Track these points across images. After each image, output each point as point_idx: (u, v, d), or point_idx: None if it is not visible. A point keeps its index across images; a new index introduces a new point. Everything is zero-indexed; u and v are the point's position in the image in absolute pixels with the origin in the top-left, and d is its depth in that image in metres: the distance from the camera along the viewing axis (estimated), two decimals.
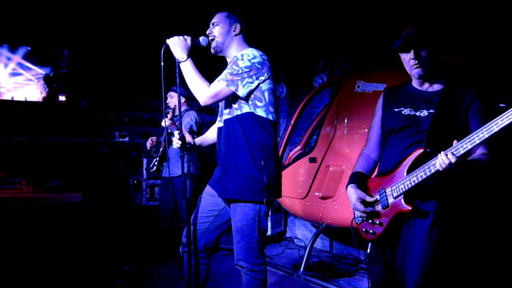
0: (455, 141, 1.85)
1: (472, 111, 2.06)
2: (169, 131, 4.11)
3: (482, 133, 1.75)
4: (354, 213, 2.33)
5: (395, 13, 4.30)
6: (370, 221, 2.18)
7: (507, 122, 1.68)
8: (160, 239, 5.04)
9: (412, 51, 2.06)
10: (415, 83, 2.20)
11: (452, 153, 1.84)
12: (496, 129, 1.71)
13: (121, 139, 6.13)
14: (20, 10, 4.95)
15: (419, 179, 1.96)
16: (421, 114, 2.11)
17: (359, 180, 2.26)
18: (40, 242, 3.92)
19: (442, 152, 1.86)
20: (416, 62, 2.07)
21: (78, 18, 5.25)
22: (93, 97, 6.14)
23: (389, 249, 2.17)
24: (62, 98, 5.85)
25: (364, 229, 2.24)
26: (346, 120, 4.36)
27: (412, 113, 2.13)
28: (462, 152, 1.81)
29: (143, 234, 5.35)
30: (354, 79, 4.40)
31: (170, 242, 4.66)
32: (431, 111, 2.08)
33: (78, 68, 5.95)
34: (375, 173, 2.29)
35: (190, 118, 4.62)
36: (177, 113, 4.17)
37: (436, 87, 2.15)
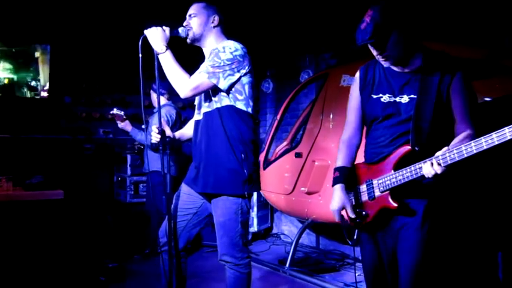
0: (445, 148, 1.80)
1: (454, 90, 1.98)
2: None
3: (470, 147, 1.69)
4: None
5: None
6: (357, 210, 2.14)
7: (497, 143, 1.63)
8: (146, 236, 4.99)
9: (375, 50, 1.98)
10: None
11: (439, 163, 1.80)
12: (485, 147, 1.65)
13: (105, 135, 6.04)
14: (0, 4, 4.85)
15: (406, 180, 1.94)
16: (402, 100, 2.03)
17: (346, 177, 2.18)
18: (21, 240, 3.83)
19: (428, 162, 1.83)
20: (382, 57, 1.98)
21: (61, 13, 5.17)
22: (76, 93, 6.03)
23: (376, 233, 2.14)
24: (44, 94, 5.74)
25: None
26: (331, 115, 4.34)
27: (392, 99, 2.05)
28: (450, 162, 1.77)
29: (127, 232, 5.29)
30: (339, 73, 4.38)
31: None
32: (412, 96, 2.00)
33: (60, 63, 5.84)
34: (363, 160, 2.23)
35: (164, 113, 4.57)
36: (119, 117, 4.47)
37: (413, 64, 2.03)
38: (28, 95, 5.79)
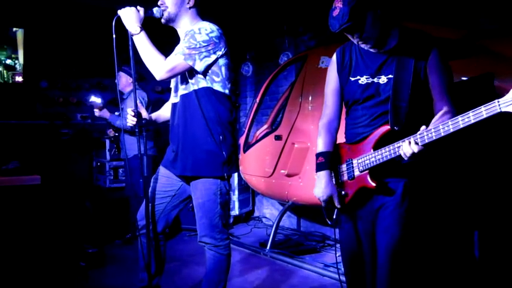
0: (422, 127, 1.81)
1: (430, 68, 1.98)
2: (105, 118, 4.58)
3: (448, 126, 1.70)
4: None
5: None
6: (337, 189, 2.14)
7: (473, 121, 1.63)
8: (127, 221, 4.96)
9: (353, 36, 1.96)
10: None
11: (416, 142, 1.81)
12: (462, 126, 1.66)
13: (83, 121, 5.95)
14: None
15: (384, 159, 1.95)
16: (380, 81, 2.03)
17: (330, 162, 2.17)
18: None
19: (406, 141, 1.84)
20: (362, 41, 1.97)
21: None
22: (52, 77, 5.91)
23: (355, 213, 2.16)
24: (19, 79, 5.62)
25: None
26: (310, 97, 4.33)
27: (370, 80, 2.06)
28: (427, 141, 1.78)
29: (108, 217, 5.25)
30: (318, 55, 4.37)
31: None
32: (389, 76, 2.01)
33: (35, 47, 5.70)
34: (343, 140, 2.23)
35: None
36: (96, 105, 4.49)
37: (389, 44, 2.02)
38: (5, 74, 5.65)
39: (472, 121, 1.63)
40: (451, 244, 3.26)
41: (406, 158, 1.86)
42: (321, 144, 2.23)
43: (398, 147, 1.88)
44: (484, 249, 3.12)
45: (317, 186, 2.16)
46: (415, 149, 1.81)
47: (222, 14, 5.33)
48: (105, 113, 4.56)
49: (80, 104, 6.05)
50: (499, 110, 1.57)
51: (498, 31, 3.32)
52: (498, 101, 1.56)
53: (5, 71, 5.67)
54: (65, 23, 5.74)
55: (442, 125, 1.72)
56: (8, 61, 5.67)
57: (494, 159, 2.96)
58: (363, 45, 2.02)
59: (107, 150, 5.49)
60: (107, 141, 5.51)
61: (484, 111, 1.60)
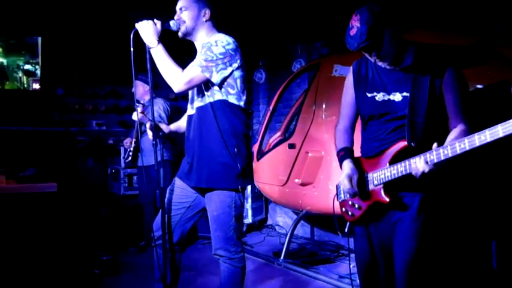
0: (434, 145, 1.81)
1: (446, 86, 1.99)
2: (143, 123, 4.19)
3: (464, 143, 1.68)
4: (337, 189, 2.31)
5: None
6: (350, 202, 2.18)
7: (489, 140, 1.61)
8: (141, 228, 4.99)
9: (370, 54, 1.98)
10: None
11: (426, 161, 1.81)
12: (478, 144, 1.64)
13: (98, 128, 6.01)
14: None
15: (400, 174, 1.95)
16: (395, 98, 2.04)
17: (351, 155, 2.22)
18: (14, 233, 3.82)
19: (417, 159, 1.84)
20: (379, 59, 1.99)
21: (52, 4, 5.10)
22: (69, 85, 5.98)
23: (369, 226, 2.16)
24: (36, 86, 5.69)
25: (344, 209, 2.26)
26: (324, 106, 4.33)
27: (386, 97, 2.07)
28: (443, 158, 1.77)
29: (121, 224, 5.28)
30: (331, 63, 4.36)
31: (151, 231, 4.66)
32: (404, 94, 2.02)
33: (52, 55, 5.78)
34: (359, 154, 2.26)
35: (158, 107, 4.61)
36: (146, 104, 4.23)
37: (405, 61, 2.03)
38: (24, 80, 5.73)
39: (489, 139, 1.61)
40: (469, 255, 3.23)
41: (417, 177, 1.86)
42: (340, 143, 2.28)
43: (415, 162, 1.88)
44: (503, 259, 3.09)
45: (342, 174, 2.16)
46: (426, 168, 1.81)
47: (236, 21, 5.37)
48: (145, 119, 4.52)
49: (96, 111, 6.12)
50: None
51: None
52: None
53: (24, 77, 5.75)
54: (81, 31, 5.82)
55: (458, 142, 1.71)
56: (27, 66, 5.75)
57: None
58: (380, 63, 2.03)
59: (121, 158, 5.54)
60: (122, 149, 5.56)
61: (500, 130, 1.58)
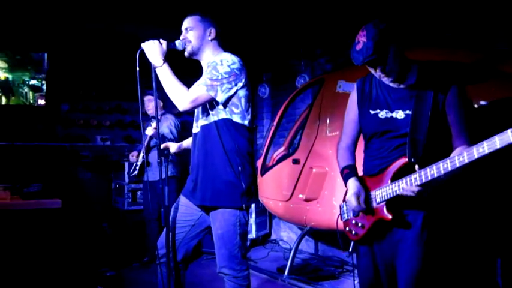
0: (416, 167, 1.87)
1: (449, 105, 2.01)
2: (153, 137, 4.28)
3: (463, 157, 1.71)
4: (341, 209, 2.32)
5: (376, 11, 4.29)
6: (354, 221, 2.18)
7: (487, 151, 1.64)
8: (145, 244, 4.98)
9: (375, 69, 2.01)
10: None
11: (411, 183, 1.88)
12: (477, 156, 1.67)
13: (102, 143, 6.04)
14: None
15: (401, 191, 1.96)
16: (398, 116, 2.06)
17: (356, 172, 2.24)
18: (18, 249, 3.82)
19: (404, 180, 1.90)
20: (384, 74, 2.01)
21: (57, 21, 5.16)
22: (73, 100, 6.03)
23: (373, 246, 2.17)
24: (41, 102, 5.73)
25: (347, 228, 2.27)
26: (328, 121, 4.34)
27: (389, 115, 2.09)
28: (421, 181, 1.85)
29: (125, 240, 5.28)
30: (335, 79, 4.38)
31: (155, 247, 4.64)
32: (407, 112, 2.04)
33: (57, 70, 5.83)
34: (361, 173, 2.27)
35: (169, 122, 4.63)
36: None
37: (409, 79, 2.07)
38: (30, 96, 5.77)
39: (487, 152, 1.63)
40: (474, 272, 3.21)
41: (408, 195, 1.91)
42: (343, 161, 2.29)
43: (415, 178, 1.89)
44: (508, 277, 3.07)
45: (348, 194, 2.17)
46: (414, 189, 1.86)
47: (240, 36, 5.41)
48: (167, 145, 4.51)
49: (100, 126, 6.15)
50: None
51: None
52: (511, 130, 1.57)
53: (30, 92, 5.79)
54: (86, 47, 5.87)
55: (458, 156, 1.73)
56: (33, 82, 5.79)
57: None
58: (384, 79, 2.04)
59: (125, 173, 5.54)
60: (126, 164, 5.57)
61: (498, 141, 1.60)
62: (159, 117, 4.72)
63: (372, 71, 2.04)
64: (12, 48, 5.59)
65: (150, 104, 4.77)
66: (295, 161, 4.59)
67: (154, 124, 3.98)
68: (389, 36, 1.91)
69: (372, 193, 2.10)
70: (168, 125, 4.63)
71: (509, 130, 1.57)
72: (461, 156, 1.71)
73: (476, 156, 1.67)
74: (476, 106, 3.07)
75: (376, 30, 1.90)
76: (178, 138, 4.50)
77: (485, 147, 1.63)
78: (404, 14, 4.11)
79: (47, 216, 3.99)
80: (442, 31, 3.89)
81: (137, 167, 4.60)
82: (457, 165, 1.73)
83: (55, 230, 4.03)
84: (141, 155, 4.62)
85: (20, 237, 3.85)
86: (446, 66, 2.16)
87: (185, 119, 6.06)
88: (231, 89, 2.40)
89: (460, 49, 3.53)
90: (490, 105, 3.07)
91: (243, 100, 2.46)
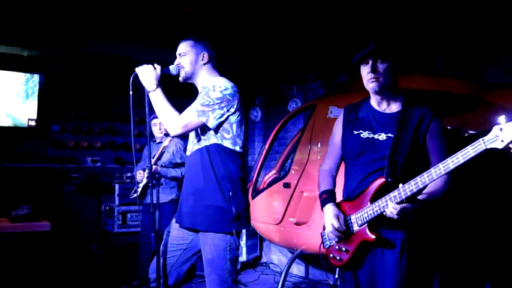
0: (400, 185, 1.92)
1: (430, 134, 2.08)
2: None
3: (439, 169, 1.80)
4: (322, 237, 2.33)
5: (368, 39, 4.37)
6: (337, 247, 2.19)
7: (462, 161, 1.73)
8: (134, 267, 4.92)
9: (370, 62, 2.09)
10: (373, 101, 2.21)
11: (390, 200, 1.94)
12: (452, 167, 1.76)
13: (93, 164, 6.01)
14: None
15: (381, 210, 1.99)
16: (380, 138, 2.11)
17: (334, 198, 2.27)
18: (5, 273, 3.77)
19: (384, 199, 1.96)
20: (373, 75, 2.08)
21: (49, 42, 5.18)
22: (64, 121, 6.01)
23: (357, 271, 2.17)
24: (32, 123, 5.71)
25: (331, 255, 2.27)
26: (319, 146, 4.36)
27: (371, 135, 2.14)
28: (401, 198, 1.91)
29: (115, 262, 5.21)
30: (326, 105, 4.42)
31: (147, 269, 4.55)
32: (389, 135, 2.09)
33: (48, 92, 5.83)
34: (341, 198, 2.29)
35: (178, 147, 4.47)
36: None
37: (395, 108, 2.16)
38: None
39: (462, 161, 1.72)
40: None
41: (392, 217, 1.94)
42: (323, 185, 2.34)
43: (391, 197, 1.94)
44: None
45: (326, 219, 2.20)
46: (393, 210, 1.91)
47: (231, 58, 5.47)
48: (157, 169, 4.28)
49: (91, 147, 6.12)
50: (484, 148, 1.67)
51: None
52: (483, 139, 1.67)
53: None
54: (77, 68, 5.89)
55: (434, 168, 1.82)
56: None
57: (505, 207, 2.95)
58: (370, 84, 2.10)
59: (115, 195, 5.51)
60: (116, 186, 5.54)
61: (471, 150, 1.70)
62: (168, 143, 4.53)
63: (363, 70, 2.12)
64: (4, 69, 5.58)
65: (154, 128, 4.64)
66: (286, 185, 4.60)
67: (143, 173, 4.13)
68: (392, 47, 2.06)
69: (352, 217, 2.13)
70: (177, 149, 4.44)
71: (481, 139, 1.67)
72: (437, 169, 1.79)
73: (452, 167, 1.75)
74: (465, 135, 3.12)
75: (381, 40, 2.08)
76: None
77: (459, 157, 1.73)
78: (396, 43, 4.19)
79: (35, 239, 3.95)
80: (432, 60, 3.96)
81: (138, 189, 4.42)
82: (434, 177, 1.81)
83: (43, 253, 3.98)
84: (146, 175, 4.41)
85: (7, 261, 3.79)
86: (432, 96, 2.24)
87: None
88: (223, 115, 2.42)
89: (449, 77, 3.60)
90: (479, 134, 3.12)
91: (234, 126, 2.48)
